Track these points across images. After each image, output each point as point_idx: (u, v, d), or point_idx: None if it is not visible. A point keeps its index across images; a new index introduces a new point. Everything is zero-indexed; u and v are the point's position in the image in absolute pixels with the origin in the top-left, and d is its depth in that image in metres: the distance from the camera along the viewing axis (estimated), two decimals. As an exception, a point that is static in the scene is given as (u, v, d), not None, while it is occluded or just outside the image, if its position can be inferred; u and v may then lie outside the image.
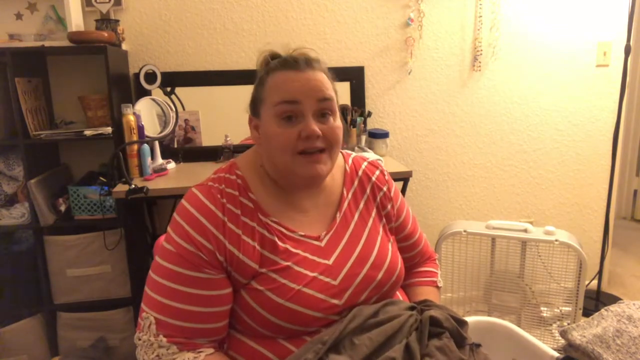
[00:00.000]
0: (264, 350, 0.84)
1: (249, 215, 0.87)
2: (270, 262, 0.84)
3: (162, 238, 0.94)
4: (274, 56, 0.93)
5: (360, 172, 1.02)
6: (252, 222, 0.86)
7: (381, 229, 0.99)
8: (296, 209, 0.92)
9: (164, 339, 0.79)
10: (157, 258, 0.84)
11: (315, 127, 0.84)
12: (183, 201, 0.86)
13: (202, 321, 0.81)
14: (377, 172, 1.04)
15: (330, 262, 0.89)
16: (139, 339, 0.81)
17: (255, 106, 0.91)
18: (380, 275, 0.91)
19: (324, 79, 0.88)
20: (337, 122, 0.89)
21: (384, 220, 1.01)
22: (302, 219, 0.92)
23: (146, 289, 0.84)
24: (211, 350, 0.82)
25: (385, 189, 1.03)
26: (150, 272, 0.84)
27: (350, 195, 0.98)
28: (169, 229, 0.86)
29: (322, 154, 0.86)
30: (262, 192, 0.90)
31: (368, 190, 1.01)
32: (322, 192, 0.96)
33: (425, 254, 1.14)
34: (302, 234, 0.90)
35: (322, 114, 0.86)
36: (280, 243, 0.86)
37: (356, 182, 1.01)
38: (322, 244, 0.91)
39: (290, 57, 0.89)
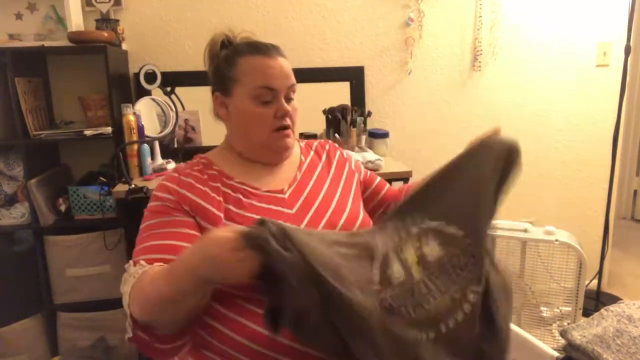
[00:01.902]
0: (250, 323, 0.83)
1: (214, 180, 0.95)
2: (234, 214, 0.91)
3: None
4: (229, 39, 1.02)
5: (314, 147, 1.14)
6: (216, 183, 0.95)
7: (340, 187, 1.07)
8: (259, 173, 1.01)
9: (141, 264, 0.82)
10: (140, 226, 0.92)
11: (288, 107, 0.97)
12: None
13: (175, 252, 0.83)
14: (327, 145, 1.17)
15: (294, 210, 0.96)
16: (124, 280, 0.83)
17: (224, 84, 0.98)
18: (341, 221, 0.97)
19: (289, 66, 0.99)
20: (296, 104, 1.01)
21: (345, 176, 1.10)
22: (265, 179, 1.00)
23: (134, 251, 0.89)
24: None
25: (338, 153, 1.15)
26: (137, 238, 0.91)
27: (308, 161, 1.09)
28: None
29: (289, 130, 0.99)
30: (225, 163, 1.00)
31: (324, 158, 1.12)
32: (282, 165, 1.06)
33: (394, 191, 1.23)
34: (266, 189, 0.97)
35: (288, 98, 0.98)
36: (244, 199, 0.94)
37: (312, 153, 1.12)
38: (286, 195, 0.98)
39: (260, 43, 0.98)
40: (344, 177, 1.10)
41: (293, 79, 0.98)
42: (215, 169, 0.98)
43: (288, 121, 0.98)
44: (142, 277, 0.78)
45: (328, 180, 1.07)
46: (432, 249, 0.82)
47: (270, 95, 0.95)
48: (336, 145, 1.19)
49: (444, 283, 0.79)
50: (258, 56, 0.95)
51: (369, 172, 1.21)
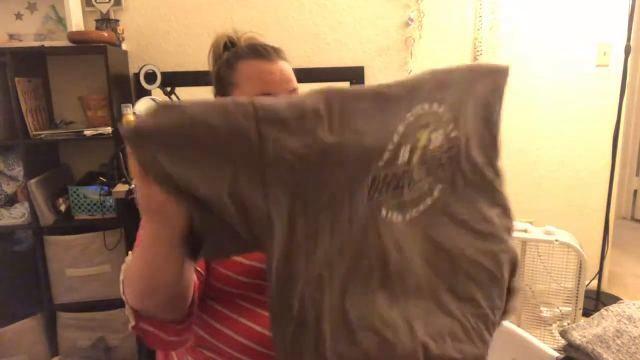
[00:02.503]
0: (249, 322, 0.83)
1: None
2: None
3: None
4: (232, 41, 1.00)
5: None
6: None
7: None
8: None
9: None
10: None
11: None
12: None
13: None
14: None
15: None
16: (122, 269, 0.79)
17: (223, 88, 0.96)
18: None
19: (290, 69, 0.95)
20: None
21: None
22: None
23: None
24: None
25: None
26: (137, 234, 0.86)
27: None
28: None
29: None
30: None
31: None
32: None
33: None
34: None
35: None
36: None
37: None
38: None
39: (260, 47, 0.94)
40: None
41: (294, 83, 0.95)
42: None
43: None
44: (128, 263, 0.75)
45: None
46: (437, 138, 0.74)
47: None
48: None
49: (423, 172, 0.73)
50: (257, 60, 0.92)
51: None
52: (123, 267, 0.77)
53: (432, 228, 0.75)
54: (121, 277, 0.75)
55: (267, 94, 0.91)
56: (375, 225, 0.67)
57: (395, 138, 0.67)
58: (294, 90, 0.95)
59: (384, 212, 0.69)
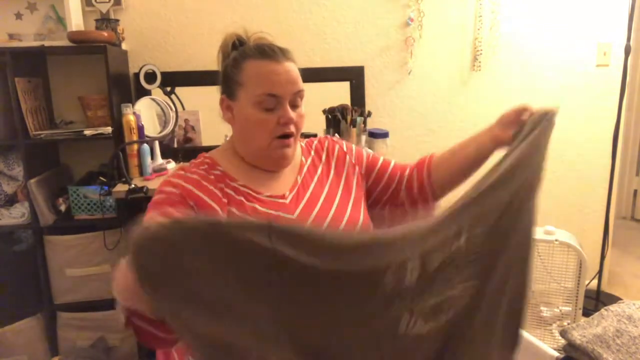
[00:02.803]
0: None
1: (219, 180, 0.95)
2: (237, 217, 0.90)
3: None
4: (241, 40, 0.99)
5: (313, 147, 1.13)
6: (220, 184, 0.94)
7: (340, 189, 1.06)
8: (261, 177, 1.00)
9: None
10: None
11: (292, 115, 0.93)
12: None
13: None
14: (327, 142, 1.15)
15: (295, 216, 0.96)
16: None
17: (230, 87, 0.96)
18: (341, 227, 0.98)
19: (297, 71, 0.95)
20: (302, 110, 0.98)
21: (345, 172, 1.09)
22: (267, 183, 0.99)
23: None
24: None
25: (337, 148, 1.13)
26: None
27: (308, 163, 1.08)
28: None
29: (290, 139, 0.96)
30: (229, 165, 0.99)
31: (323, 158, 1.10)
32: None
33: (403, 166, 1.17)
34: (268, 194, 0.97)
35: (294, 104, 0.95)
36: (247, 202, 0.93)
37: (312, 154, 1.11)
38: (287, 201, 0.98)
39: (268, 47, 0.95)
40: (344, 176, 1.09)
41: (300, 85, 0.95)
42: (220, 169, 0.97)
43: (292, 129, 0.95)
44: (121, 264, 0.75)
45: (328, 183, 1.06)
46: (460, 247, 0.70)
47: (274, 102, 0.92)
48: (335, 139, 1.17)
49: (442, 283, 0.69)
50: (264, 60, 0.92)
51: (371, 154, 1.17)
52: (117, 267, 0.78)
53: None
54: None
55: (272, 95, 0.92)
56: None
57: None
58: (299, 91, 0.95)
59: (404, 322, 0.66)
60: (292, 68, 0.94)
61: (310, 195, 1.01)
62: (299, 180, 1.03)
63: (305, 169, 1.06)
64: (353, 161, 1.12)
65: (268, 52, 0.93)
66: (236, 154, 1.01)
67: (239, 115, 0.96)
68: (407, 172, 1.12)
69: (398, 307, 0.65)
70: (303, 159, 1.09)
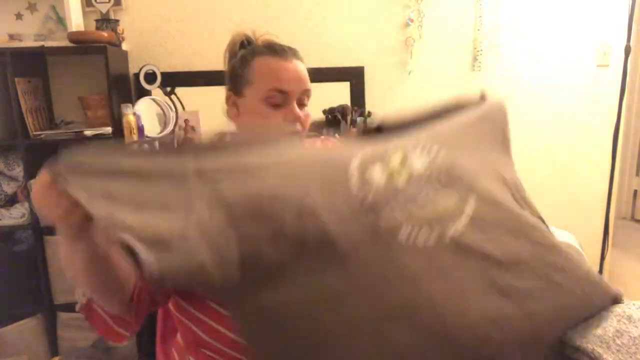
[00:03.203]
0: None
1: None
2: None
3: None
4: (249, 39, 1.00)
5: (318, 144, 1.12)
6: None
7: None
8: None
9: None
10: None
11: (299, 113, 0.93)
12: None
13: None
14: (331, 145, 1.14)
15: None
16: None
17: (237, 85, 0.96)
18: None
19: (305, 71, 0.95)
20: (308, 110, 0.98)
21: None
22: None
23: None
24: None
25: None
26: None
27: None
28: None
29: (296, 135, 0.95)
30: None
31: None
32: None
33: None
34: None
35: (301, 103, 0.95)
36: None
37: None
38: None
39: (277, 45, 0.95)
40: None
41: (308, 84, 0.95)
42: None
43: (298, 127, 0.94)
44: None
45: None
46: (422, 162, 0.72)
47: (282, 99, 0.92)
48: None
49: (431, 194, 0.69)
50: (272, 57, 0.93)
51: None
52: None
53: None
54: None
55: (280, 91, 0.91)
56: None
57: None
58: (307, 91, 0.95)
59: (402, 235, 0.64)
60: (301, 67, 0.95)
61: None
62: None
63: None
64: None
65: (278, 49, 0.94)
66: None
67: (245, 111, 0.95)
68: None
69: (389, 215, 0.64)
70: None
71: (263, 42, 1.00)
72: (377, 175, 0.67)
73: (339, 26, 2.25)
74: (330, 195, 0.64)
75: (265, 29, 1.03)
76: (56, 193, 0.60)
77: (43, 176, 0.62)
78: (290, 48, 0.96)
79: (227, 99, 0.99)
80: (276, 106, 0.92)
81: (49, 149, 2.11)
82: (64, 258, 0.72)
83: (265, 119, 0.92)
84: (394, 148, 0.73)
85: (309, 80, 0.96)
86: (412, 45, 2.30)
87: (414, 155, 0.72)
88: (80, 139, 1.86)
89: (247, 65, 0.94)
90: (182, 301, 0.86)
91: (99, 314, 0.79)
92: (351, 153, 0.70)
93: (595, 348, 1.13)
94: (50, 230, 1.92)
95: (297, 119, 0.93)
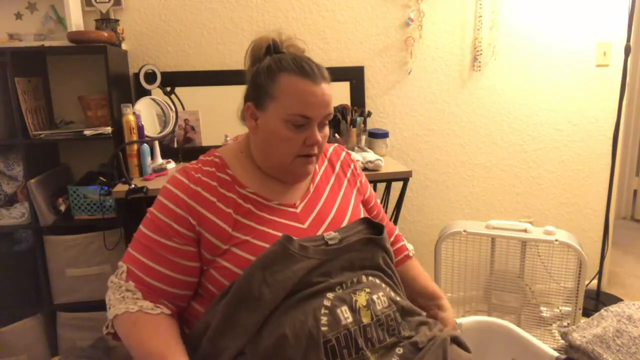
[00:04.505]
0: None
1: (226, 187, 0.93)
2: (244, 226, 0.89)
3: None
4: (275, 45, 0.97)
5: (328, 155, 1.12)
6: (229, 193, 0.92)
7: (353, 199, 1.07)
8: (273, 184, 0.98)
9: (132, 284, 0.88)
10: (140, 226, 0.93)
11: (319, 137, 0.93)
12: (165, 183, 0.95)
13: (167, 283, 0.88)
14: (344, 153, 1.15)
15: (305, 226, 0.94)
16: (111, 282, 0.92)
17: (259, 97, 0.93)
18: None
19: (331, 93, 0.93)
20: (327, 129, 0.97)
21: (355, 191, 1.10)
22: (278, 190, 0.97)
23: (129, 247, 0.92)
24: (169, 312, 0.88)
25: (352, 166, 1.13)
26: (134, 235, 0.93)
27: (321, 171, 1.07)
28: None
29: (313, 157, 0.96)
30: (239, 169, 0.96)
31: (337, 168, 1.10)
32: None
33: (391, 229, 1.21)
34: (278, 202, 0.95)
35: (322, 124, 0.94)
36: (256, 210, 0.92)
37: (326, 162, 1.10)
38: (298, 210, 0.96)
39: (307, 65, 0.91)
40: (354, 192, 1.09)
41: (331, 108, 0.93)
42: (230, 173, 0.95)
43: (316, 150, 0.94)
44: (131, 318, 0.87)
45: (341, 194, 1.05)
46: (382, 301, 0.87)
47: (304, 121, 0.90)
48: (350, 154, 1.17)
49: (382, 334, 0.84)
50: (302, 79, 0.89)
51: (370, 190, 1.19)
52: (115, 292, 0.91)
53: None
54: (111, 311, 0.90)
55: (304, 116, 0.89)
56: None
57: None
58: (329, 115, 0.93)
59: None
60: (328, 91, 0.92)
61: (322, 205, 1.00)
62: (311, 189, 1.01)
63: (318, 177, 1.04)
64: (359, 185, 1.13)
65: (307, 70, 0.90)
66: (251, 160, 0.98)
67: (265, 127, 0.92)
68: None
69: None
70: (317, 166, 1.06)
71: (290, 52, 0.96)
72: (345, 314, 0.83)
73: (339, 26, 2.25)
74: None
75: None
76: None
77: None
78: (319, 68, 0.92)
79: (246, 110, 0.96)
80: (297, 127, 0.90)
81: (49, 149, 2.12)
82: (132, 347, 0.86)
83: (286, 141, 0.91)
84: (361, 286, 0.89)
85: (332, 103, 0.93)
86: (412, 45, 2.31)
87: (376, 295, 0.88)
88: (80, 139, 1.86)
89: (273, 79, 0.90)
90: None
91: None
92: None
93: (595, 348, 1.13)
94: (50, 230, 1.92)
95: (317, 143, 0.92)
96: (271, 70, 0.91)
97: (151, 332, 0.84)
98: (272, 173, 0.97)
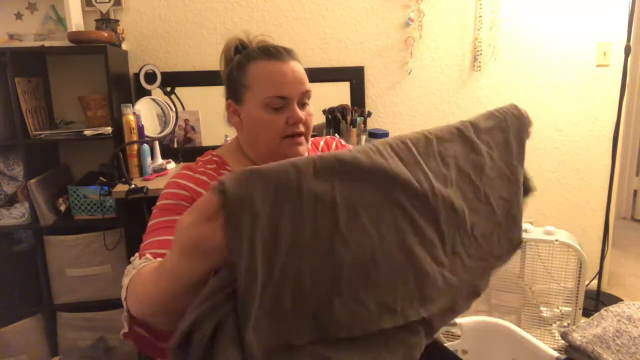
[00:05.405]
0: None
1: None
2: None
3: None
4: (243, 44, 0.98)
5: (320, 147, 1.13)
6: None
7: None
8: None
9: (149, 256, 0.77)
10: (148, 223, 0.89)
11: (301, 115, 0.92)
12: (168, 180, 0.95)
13: None
14: (334, 143, 1.15)
15: None
16: (127, 270, 0.77)
17: (236, 91, 0.95)
18: None
19: (303, 70, 0.94)
20: (311, 109, 0.97)
21: None
22: None
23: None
24: None
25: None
26: (144, 236, 0.87)
27: None
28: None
29: (302, 137, 0.94)
30: (238, 165, 0.97)
31: None
32: None
33: None
34: None
35: (302, 103, 0.94)
36: None
37: (319, 152, 1.08)
38: None
39: (272, 48, 0.93)
40: None
41: (307, 85, 0.93)
42: (229, 169, 0.96)
43: (301, 128, 0.93)
44: (138, 274, 0.73)
45: None
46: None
47: (282, 102, 0.91)
48: (342, 141, 1.17)
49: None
50: (269, 61, 0.91)
51: None
52: (130, 271, 0.75)
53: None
54: (125, 281, 0.74)
55: (280, 97, 0.90)
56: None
57: None
58: (306, 92, 0.94)
59: None
60: (298, 68, 0.93)
61: None
62: None
63: None
64: None
65: (273, 52, 0.92)
66: (246, 156, 1.00)
67: (247, 118, 0.94)
68: None
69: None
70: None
71: (258, 45, 0.98)
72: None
73: (339, 26, 2.25)
74: None
75: (260, 28, 1.03)
76: (214, 227, 0.50)
77: (209, 203, 0.50)
78: (285, 48, 0.94)
79: (228, 107, 0.98)
80: (277, 109, 0.91)
81: (49, 149, 2.12)
82: (151, 295, 0.64)
83: (268, 125, 0.91)
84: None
85: (307, 81, 0.94)
86: (412, 45, 2.31)
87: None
88: (80, 139, 1.86)
89: (244, 70, 0.93)
90: None
91: (145, 336, 0.74)
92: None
93: (595, 348, 1.13)
94: (51, 231, 1.92)
95: (299, 120, 0.92)
96: (241, 63, 0.94)
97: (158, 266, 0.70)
98: (265, 163, 0.97)
